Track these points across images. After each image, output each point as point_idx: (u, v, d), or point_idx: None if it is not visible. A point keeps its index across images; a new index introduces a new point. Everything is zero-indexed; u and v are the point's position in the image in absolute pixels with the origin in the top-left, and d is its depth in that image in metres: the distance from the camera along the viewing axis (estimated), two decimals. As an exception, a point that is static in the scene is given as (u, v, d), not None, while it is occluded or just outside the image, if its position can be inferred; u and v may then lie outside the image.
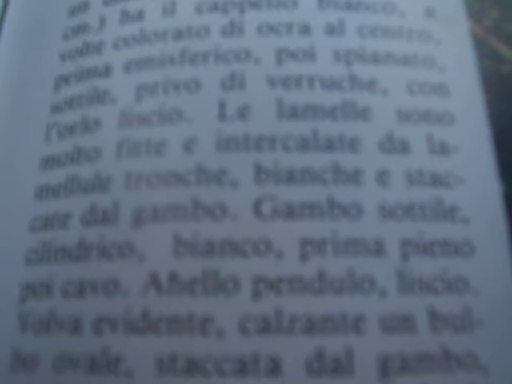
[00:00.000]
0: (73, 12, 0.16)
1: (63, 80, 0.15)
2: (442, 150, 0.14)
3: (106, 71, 0.15)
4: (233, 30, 0.15)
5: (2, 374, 0.13)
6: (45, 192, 0.14)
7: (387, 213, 0.13)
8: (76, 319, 0.13)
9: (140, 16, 0.15)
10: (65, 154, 0.15)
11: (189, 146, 0.14)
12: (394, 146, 0.14)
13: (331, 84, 0.14)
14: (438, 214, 0.14)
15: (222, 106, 0.14)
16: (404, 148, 0.14)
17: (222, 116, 0.14)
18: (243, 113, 0.14)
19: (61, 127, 0.15)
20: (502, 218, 0.14)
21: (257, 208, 0.13)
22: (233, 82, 0.14)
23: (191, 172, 0.14)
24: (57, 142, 0.15)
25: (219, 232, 0.13)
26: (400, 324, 0.13)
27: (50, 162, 0.15)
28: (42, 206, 0.14)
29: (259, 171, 0.14)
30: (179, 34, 0.15)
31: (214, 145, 0.14)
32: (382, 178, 0.14)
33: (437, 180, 0.14)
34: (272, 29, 0.15)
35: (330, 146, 0.14)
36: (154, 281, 0.13)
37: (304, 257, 0.13)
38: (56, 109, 0.15)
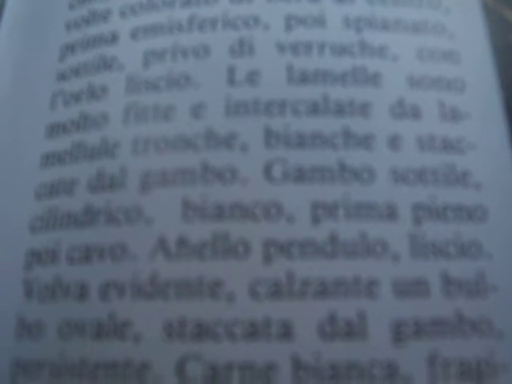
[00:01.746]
0: (78, -18, 0.16)
1: (69, 49, 0.15)
2: (454, 115, 0.14)
3: (113, 38, 0.15)
4: (241, -4, 0.15)
5: (7, 341, 0.13)
6: (50, 159, 0.14)
7: (399, 177, 0.13)
8: (82, 285, 0.13)
9: (147, -16, 0.15)
10: (71, 120, 0.14)
11: (197, 110, 0.14)
12: (405, 111, 0.14)
13: (341, 50, 0.14)
14: (450, 178, 0.13)
15: (231, 71, 0.14)
16: (415, 113, 0.14)
17: (231, 81, 0.14)
18: (252, 78, 0.14)
19: (67, 95, 0.15)
20: (515, 184, 0.14)
21: (267, 171, 0.13)
22: (242, 48, 0.14)
23: (200, 136, 0.13)
24: (62, 110, 0.15)
25: (229, 196, 0.13)
26: (413, 288, 0.13)
27: (55, 130, 0.14)
28: (47, 174, 0.14)
29: (269, 135, 0.13)
30: (187, 1, 0.15)
31: (223, 109, 0.14)
32: (394, 142, 0.13)
33: (448, 145, 0.14)
34: (281, -5, 0.15)
35: (340, 110, 0.14)
36: (162, 245, 0.13)
37: (315, 220, 0.13)
38: (62, 77, 0.15)
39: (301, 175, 0.13)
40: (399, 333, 0.12)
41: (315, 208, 0.13)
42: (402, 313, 0.12)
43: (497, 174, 0.14)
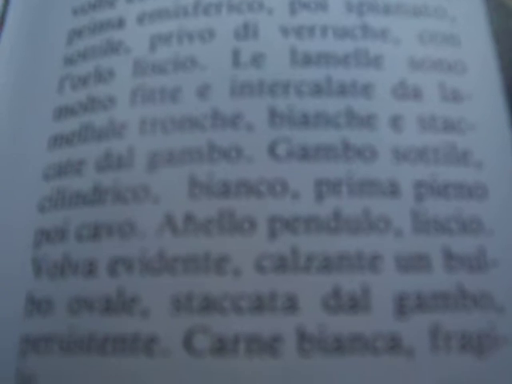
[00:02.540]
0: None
1: (76, 33, 0.16)
2: (454, 97, 0.14)
3: (120, 23, 0.15)
4: (245, -19, 0.15)
5: (16, 318, 0.13)
6: (58, 141, 0.15)
7: (401, 156, 0.13)
8: (91, 262, 0.13)
9: (152, -30, 0.15)
10: (78, 103, 0.15)
11: (203, 91, 0.14)
12: (407, 92, 0.14)
13: (344, 33, 0.14)
14: (450, 157, 0.14)
15: (236, 53, 0.14)
16: (416, 94, 0.14)
17: (236, 63, 0.14)
18: (257, 60, 0.14)
19: (74, 78, 0.15)
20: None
21: (272, 150, 0.13)
22: (246, 32, 0.14)
23: (206, 116, 0.14)
24: (70, 93, 0.15)
25: (234, 173, 0.13)
26: (415, 263, 0.13)
27: (63, 112, 0.15)
28: (55, 155, 0.14)
29: (273, 115, 0.14)
30: (192, -14, 0.15)
31: (229, 90, 0.14)
32: (395, 122, 0.14)
33: (449, 125, 0.14)
34: (284, -20, 0.15)
35: (343, 91, 0.14)
36: (169, 222, 0.13)
37: (319, 197, 0.13)
38: (69, 61, 0.15)
39: (305, 153, 0.13)
40: (402, 306, 0.13)
41: (319, 185, 0.13)
42: (404, 287, 0.13)
43: (497, 153, 0.14)
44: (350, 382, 0.12)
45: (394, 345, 0.12)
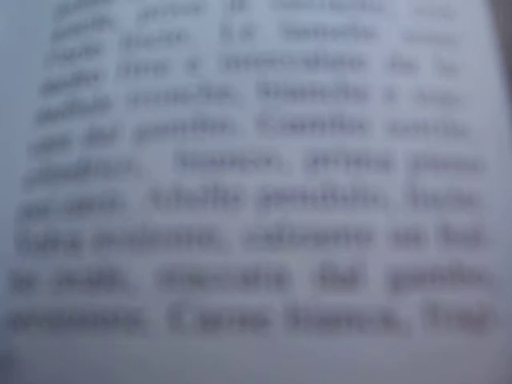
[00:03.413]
0: None
1: (63, 9, 0.15)
2: (449, 69, 0.14)
3: (107, -2, 0.15)
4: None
5: (0, 295, 0.13)
6: (44, 116, 0.14)
7: (395, 128, 0.13)
8: (75, 237, 0.13)
9: None
10: (65, 78, 0.14)
11: (191, 64, 0.14)
12: (401, 64, 0.14)
13: (337, 5, 0.14)
14: (446, 130, 0.13)
15: (225, 26, 0.14)
16: (411, 67, 0.14)
17: (225, 36, 0.14)
18: (247, 33, 0.14)
19: (60, 53, 0.15)
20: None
21: (261, 122, 0.13)
22: (234, 5, 0.14)
23: (194, 89, 0.13)
24: (57, 68, 0.15)
25: (222, 146, 0.13)
26: (410, 238, 0.12)
27: (48, 87, 0.14)
28: (40, 130, 0.14)
29: (263, 87, 0.13)
30: (180, -39, 0.15)
31: (217, 64, 0.14)
32: (389, 94, 0.13)
33: (444, 98, 0.13)
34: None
35: (335, 63, 0.13)
36: (155, 195, 0.13)
37: (311, 170, 0.13)
38: (56, 36, 0.15)
39: (296, 125, 0.13)
40: (396, 281, 0.12)
41: (310, 157, 0.13)
42: (398, 262, 0.12)
43: (492, 126, 0.13)
44: (342, 359, 0.12)
45: (388, 321, 0.12)
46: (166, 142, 0.13)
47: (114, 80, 0.14)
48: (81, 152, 0.13)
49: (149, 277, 0.12)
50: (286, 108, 0.13)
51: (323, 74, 0.13)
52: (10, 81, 0.15)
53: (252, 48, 0.14)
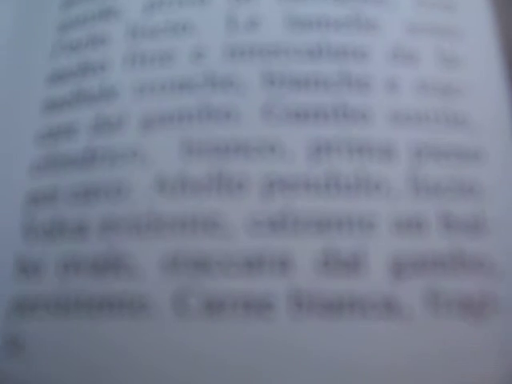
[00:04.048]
0: None
1: (69, 0, 0.15)
2: (451, 60, 0.14)
3: (114, -11, 0.15)
4: None
5: (6, 281, 0.13)
6: (50, 105, 0.14)
7: (397, 118, 0.13)
8: (81, 223, 0.13)
9: None
10: (71, 67, 0.14)
11: (197, 54, 0.14)
12: (403, 55, 0.14)
13: (339, -3, 0.14)
14: (447, 120, 0.13)
15: (230, 17, 0.14)
16: (412, 57, 0.14)
17: (230, 26, 0.14)
18: (251, 23, 0.14)
19: (66, 43, 0.15)
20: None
21: (265, 111, 0.13)
22: (240, -4, 0.14)
23: (199, 78, 0.14)
24: (62, 58, 0.15)
25: (227, 134, 0.13)
26: (412, 226, 0.13)
27: (55, 77, 0.15)
28: (47, 119, 0.14)
29: (268, 76, 0.13)
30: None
31: (222, 53, 0.14)
32: (391, 84, 0.13)
33: (446, 89, 0.14)
34: None
35: (338, 54, 0.14)
36: (160, 182, 0.13)
37: (314, 158, 0.13)
38: (62, 27, 0.15)
39: (300, 114, 0.13)
40: (398, 268, 0.12)
41: (314, 145, 0.13)
42: (400, 249, 0.12)
43: (493, 116, 0.14)
44: (344, 345, 0.12)
45: (390, 307, 0.12)
46: (171, 131, 0.13)
47: (120, 70, 0.14)
48: (87, 140, 0.14)
49: (154, 262, 0.12)
50: (290, 97, 0.13)
51: (326, 65, 0.14)
52: (17, 71, 0.15)
53: (257, 38, 0.14)
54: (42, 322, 0.13)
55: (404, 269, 0.12)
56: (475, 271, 0.12)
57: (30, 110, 0.14)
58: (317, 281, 0.12)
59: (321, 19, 0.14)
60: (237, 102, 0.13)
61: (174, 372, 0.12)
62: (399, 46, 0.14)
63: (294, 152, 0.13)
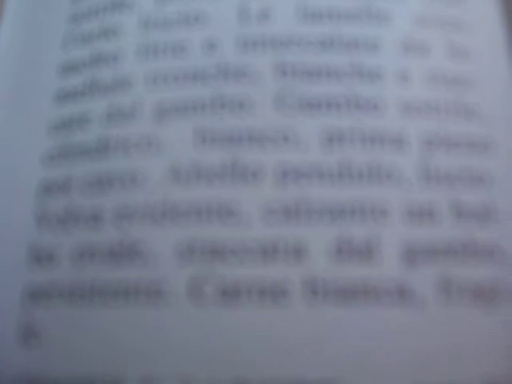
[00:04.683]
0: None
1: (82, -8, 0.16)
2: (460, 52, 0.14)
3: (126, -19, 0.15)
4: None
5: (18, 269, 0.13)
6: (63, 95, 0.14)
7: (408, 108, 0.13)
8: (95, 211, 0.13)
9: None
10: (83, 58, 0.15)
11: (210, 45, 0.14)
12: (413, 47, 0.14)
13: (351, -11, 0.14)
14: (457, 111, 0.14)
15: (242, 8, 0.14)
16: (423, 49, 0.14)
17: (243, 18, 0.14)
18: (264, 14, 0.14)
19: (78, 35, 0.15)
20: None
21: (278, 101, 0.13)
22: (253, -12, 0.14)
23: (212, 68, 0.14)
24: (74, 49, 0.15)
25: (241, 123, 0.13)
26: (424, 214, 0.13)
27: (67, 68, 0.15)
28: (59, 109, 0.14)
29: (280, 67, 0.14)
30: None
31: (235, 43, 0.14)
32: (402, 76, 0.14)
33: (455, 80, 0.14)
34: None
35: (350, 45, 0.14)
36: (175, 170, 0.13)
37: (327, 147, 0.13)
38: (74, 19, 0.15)
39: (312, 104, 0.13)
40: (411, 256, 0.12)
41: (327, 135, 0.13)
42: (412, 237, 0.12)
43: (502, 108, 0.14)
44: (358, 331, 0.12)
45: (403, 293, 0.12)
46: (185, 120, 0.13)
47: (133, 60, 0.14)
48: (101, 130, 0.14)
49: (169, 250, 0.12)
50: (303, 88, 0.13)
51: (338, 56, 0.14)
52: (29, 62, 0.15)
53: (269, 30, 0.14)
54: (56, 310, 0.13)
55: (416, 256, 0.12)
56: (486, 259, 0.13)
57: (43, 100, 0.15)
58: (331, 268, 0.12)
59: (332, 11, 0.14)
60: (250, 92, 0.13)
61: (189, 359, 0.12)
62: (410, 37, 0.14)
63: (308, 141, 0.13)
